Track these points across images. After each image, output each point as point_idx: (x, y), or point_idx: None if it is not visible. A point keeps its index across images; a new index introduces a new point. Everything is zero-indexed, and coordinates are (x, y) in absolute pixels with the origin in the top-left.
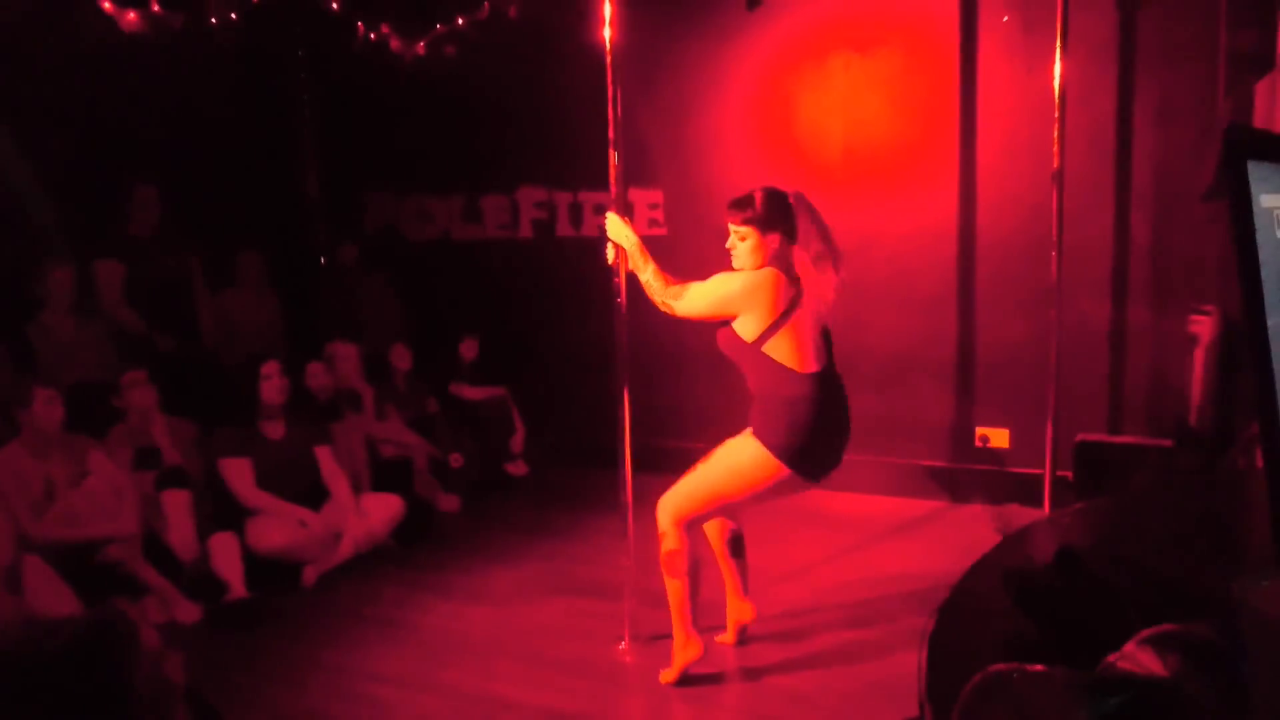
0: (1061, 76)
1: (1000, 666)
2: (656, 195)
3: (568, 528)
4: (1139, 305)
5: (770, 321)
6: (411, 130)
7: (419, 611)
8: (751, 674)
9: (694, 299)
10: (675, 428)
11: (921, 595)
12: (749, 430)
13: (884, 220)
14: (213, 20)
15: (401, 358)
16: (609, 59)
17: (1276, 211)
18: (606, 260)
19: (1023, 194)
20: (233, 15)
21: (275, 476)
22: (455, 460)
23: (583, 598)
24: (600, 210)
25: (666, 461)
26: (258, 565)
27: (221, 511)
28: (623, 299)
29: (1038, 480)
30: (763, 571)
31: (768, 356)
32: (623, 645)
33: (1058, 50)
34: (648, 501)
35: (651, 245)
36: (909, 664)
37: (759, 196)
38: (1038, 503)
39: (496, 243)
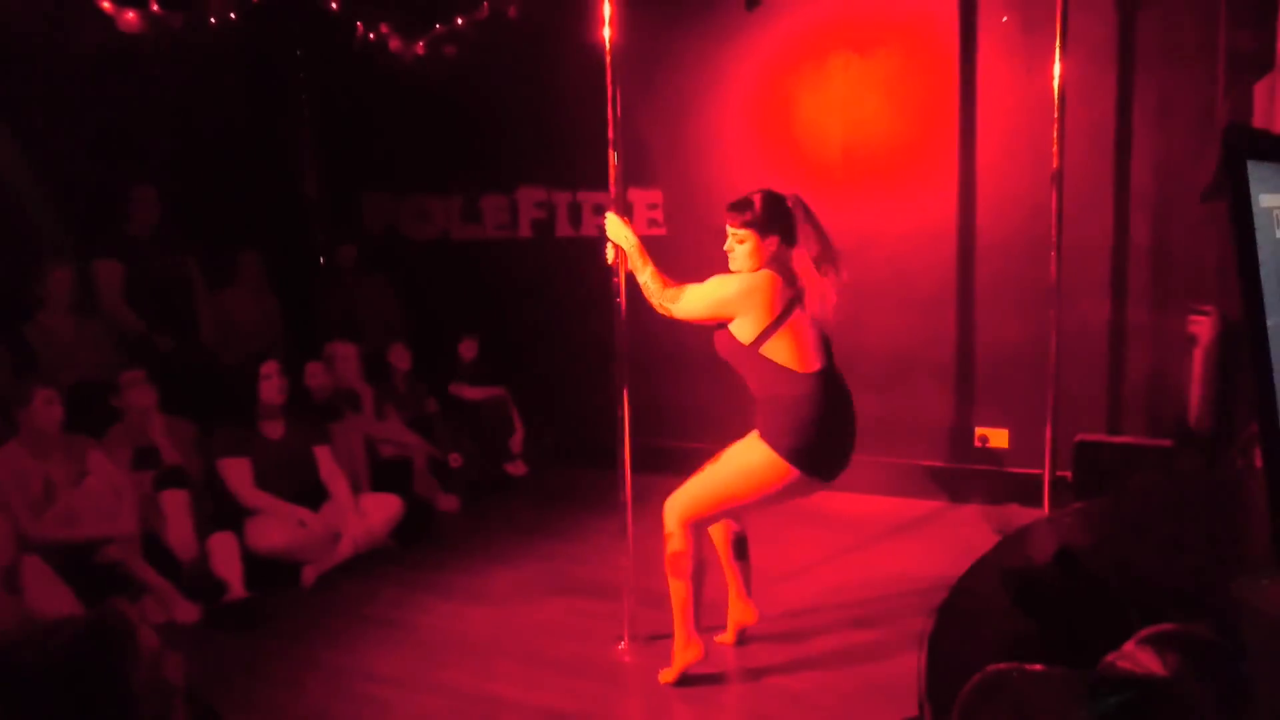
0: (1061, 77)
1: (1000, 666)
2: (656, 195)
3: (567, 528)
4: (1138, 305)
5: (767, 323)
6: (410, 130)
7: (418, 611)
8: (751, 674)
9: (691, 301)
10: (675, 428)
11: (921, 595)
12: (755, 433)
13: (883, 220)
14: (212, 20)
15: (401, 358)
16: (608, 59)
17: (1276, 211)
18: (606, 260)
19: (1022, 194)
20: (232, 15)
21: (274, 476)
22: (454, 460)
23: (582, 598)
24: (599, 210)
25: (666, 461)
26: (257, 565)
27: (220, 511)
28: (622, 299)
29: (1037, 480)
30: (762, 571)
31: (766, 358)
32: (622, 645)
33: (1057, 50)
34: (647, 501)
35: (651, 245)
36: (909, 664)
37: (758, 199)
38: (1037, 503)
39: (496, 243)
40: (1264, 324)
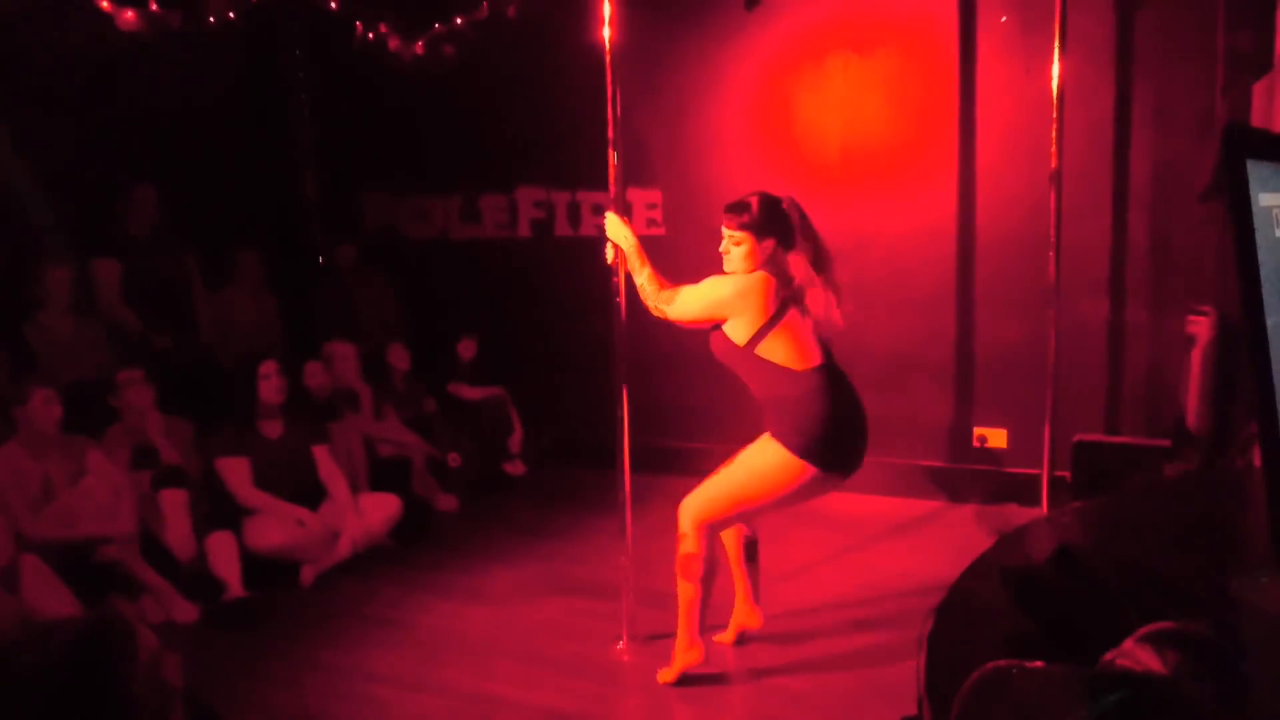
0: (1059, 77)
1: (1000, 663)
2: (655, 195)
3: (566, 527)
4: (1137, 305)
5: (761, 324)
6: (409, 130)
7: (417, 611)
8: (751, 674)
9: (685, 302)
10: (674, 428)
11: (920, 595)
12: (767, 434)
13: (882, 220)
14: (211, 19)
15: (399, 357)
16: (608, 59)
17: (1275, 210)
18: (605, 260)
19: (1021, 194)
20: (231, 14)
21: (273, 476)
22: (453, 460)
23: (581, 597)
24: (598, 210)
25: (665, 461)
26: (255, 565)
27: (219, 511)
28: (621, 299)
29: (1035, 480)
30: (762, 571)
31: (762, 359)
32: (621, 645)
33: (1056, 50)
34: (646, 501)
35: (650, 245)
36: (908, 664)
37: (755, 202)
38: (1035, 503)
39: (495, 242)
40: (1263, 323)
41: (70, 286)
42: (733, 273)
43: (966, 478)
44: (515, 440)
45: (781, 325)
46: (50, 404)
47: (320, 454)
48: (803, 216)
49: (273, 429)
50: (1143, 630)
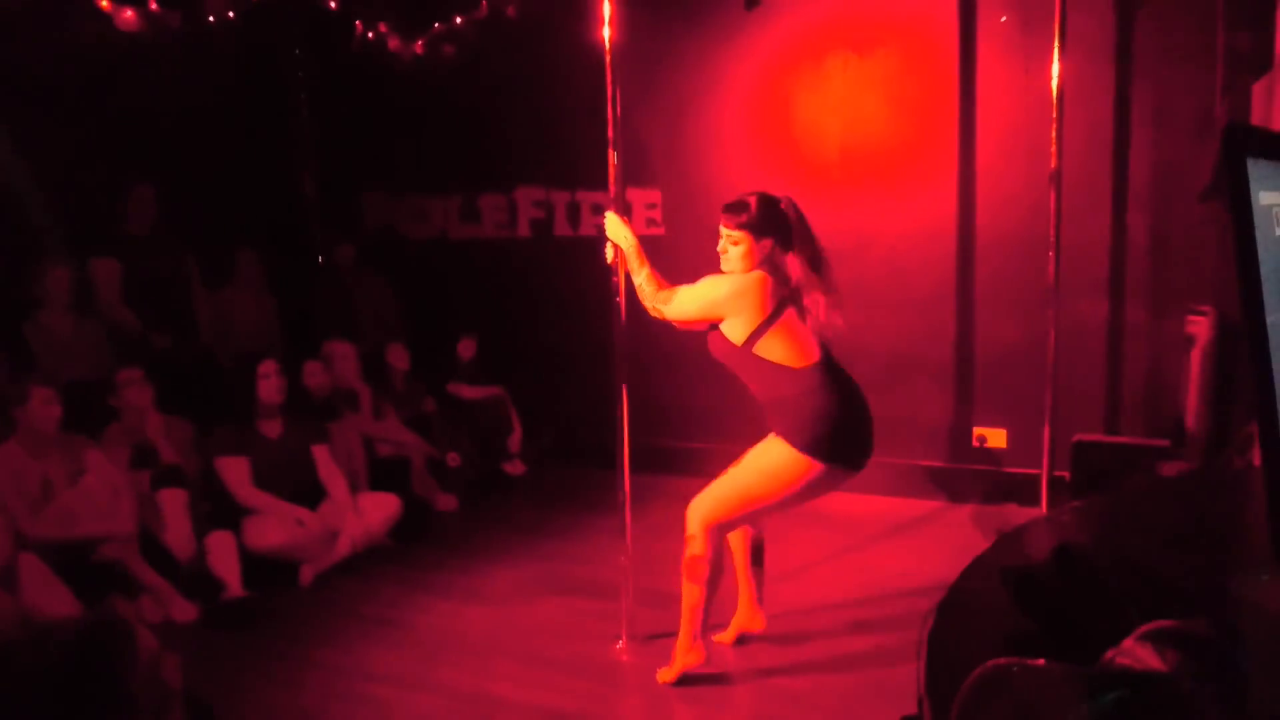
0: (1059, 77)
1: (1000, 661)
2: (654, 195)
3: (565, 527)
4: (1136, 305)
5: (758, 323)
6: (409, 129)
7: (416, 611)
8: (750, 674)
9: (682, 302)
10: (673, 427)
11: (920, 595)
12: (772, 434)
13: (882, 220)
14: (210, 19)
15: (399, 357)
16: (608, 59)
17: (1275, 209)
18: (605, 260)
19: (1020, 194)
20: (230, 14)
21: (272, 475)
22: (452, 460)
23: (580, 597)
24: (598, 210)
25: (665, 461)
26: (255, 564)
27: (218, 510)
28: (621, 298)
29: (1035, 480)
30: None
31: (760, 358)
32: (620, 644)
33: (1055, 50)
34: (645, 501)
35: (649, 245)
36: (908, 663)
37: (753, 202)
38: (1035, 502)
39: (494, 242)
40: (1263, 321)
41: (70, 286)
42: (730, 272)
43: (966, 478)
44: (514, 440)
45: (779, 324)
46: (49, 403)
47: (319, 453)
48: (800, 217)
49: (272, 429)
50: (1143, 629)
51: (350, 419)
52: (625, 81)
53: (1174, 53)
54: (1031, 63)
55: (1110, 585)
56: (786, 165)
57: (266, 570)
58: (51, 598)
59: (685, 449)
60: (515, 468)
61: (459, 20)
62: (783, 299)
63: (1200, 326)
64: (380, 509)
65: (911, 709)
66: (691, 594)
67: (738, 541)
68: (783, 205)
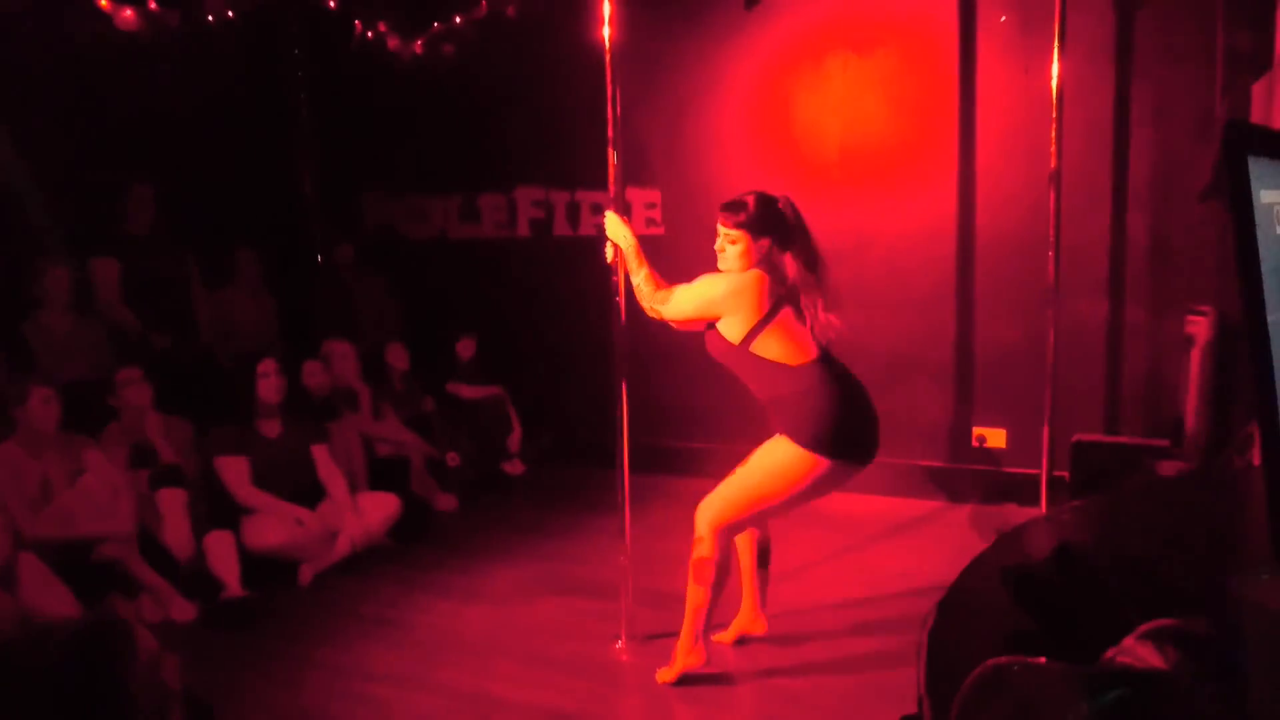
0: (1059, 76)
1: (1000, 660)
2: (654, 195)
3: (565, 527)
4: (1136, 305)
5: (755, 321)
6: (408, 129)
7: (416, 610)
8: (750, 674)
9: (679, 301)
10: (673, 427)
11: (919, 595)
12: (777, 433)
13: (881, 220)
14: (209, 18)
15: (398, 357)
16: (608, 58)
17: (1276, 208)
18: (605, 259)
19: (1020, 194)
20: (230, 13)
21: (272, 475)
22: (452, 459)
23: (579, 597)
24: (597, 210)
25: (664, 461)
26: (254, 564)
27: (217, 510)
28: (621, 298)
29: (1034, 480)
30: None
31: (758, 356)
32: (619, 644)
33: (1055, 50)
34: (645, 501)
35: (649, 245)
36: (908, 663)
37: (751, 201)
38: (1034, 502)
39: (494, 242)
40: (1264, 321)
41: (69, 285)
42: (727, 271)
43: (966, 477)
44: (514, 440)
45: (776, 323)
46: (49, 403)
47: (319, 453)
48: (798, 217)
49: (271, 428)
50: (1143, 627)
51: (350, 419)
52: (625, 81)
53: (1174, 52)
54: (1031, 63)
55: (1110, 585)
56: (786, 165)
57: (266, 570)
58: (51, 597)
59: (685, 449)
60: (515, 467)
61: (458, 20)
62: (780, 298)
63: (1200, 326)
64: (380, 509)
65: (911, 709)
66: (696, 595)
67: (744, 544)
68: (780, 205)
